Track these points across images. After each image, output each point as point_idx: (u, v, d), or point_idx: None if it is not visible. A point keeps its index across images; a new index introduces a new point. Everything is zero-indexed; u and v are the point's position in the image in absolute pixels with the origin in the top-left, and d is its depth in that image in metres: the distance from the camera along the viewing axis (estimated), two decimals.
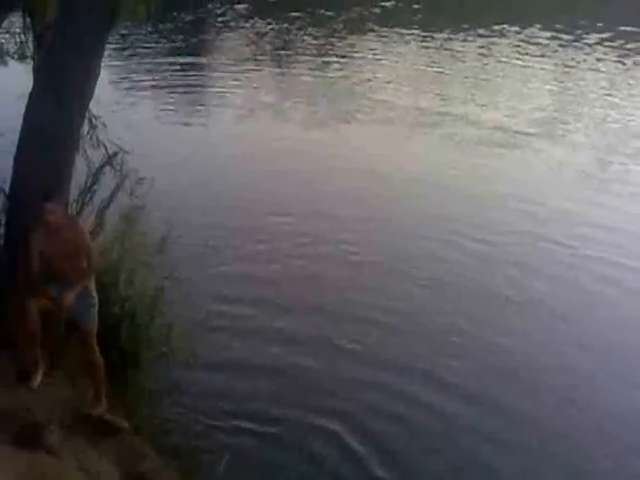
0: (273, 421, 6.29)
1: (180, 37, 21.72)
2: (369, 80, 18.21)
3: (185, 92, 16.57)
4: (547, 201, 11.15)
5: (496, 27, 24.16)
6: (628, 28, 23.51)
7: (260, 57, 20.33)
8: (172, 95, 16.20)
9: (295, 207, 10.52)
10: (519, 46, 22.24)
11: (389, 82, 18.08)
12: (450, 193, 11.37)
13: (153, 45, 20.38)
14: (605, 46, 22.13)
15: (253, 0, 25.50)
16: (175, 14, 23.06)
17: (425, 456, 6.11)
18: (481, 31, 23.85)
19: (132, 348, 6.37)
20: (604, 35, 23.01)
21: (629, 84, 18.97)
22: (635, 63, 20.82)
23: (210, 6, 25.67)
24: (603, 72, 19.63)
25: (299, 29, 23.07)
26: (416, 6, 26.78)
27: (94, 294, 5.58)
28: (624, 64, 20.56)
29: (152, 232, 6.98)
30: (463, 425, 6.47)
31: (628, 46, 22.01)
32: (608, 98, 17.34)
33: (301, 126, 14.42)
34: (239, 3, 25.39)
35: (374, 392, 6.79)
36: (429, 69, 19.73)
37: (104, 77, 6.50)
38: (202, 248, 8.59)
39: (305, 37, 22.27)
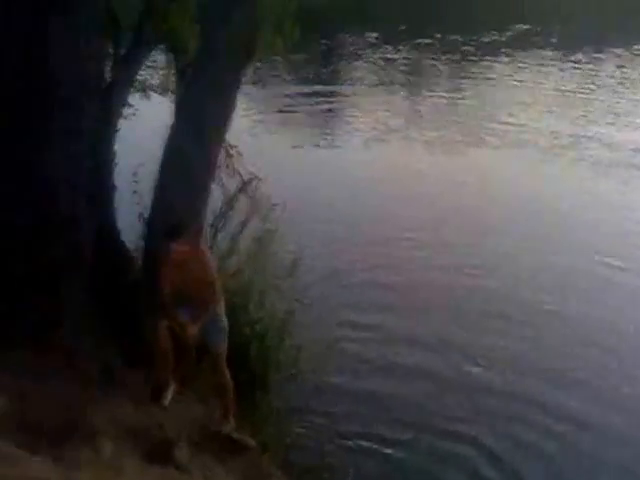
0: (400, 444, 6.29)
1: (311, 67, 22.24)
2: (502, 103, 17.96)
3: (316, 119, 16.95)
4: None
5: (637, 47, 23.24)
6: None
7: (390, 83, 20.48)
8: (304, 122, 16.60)
9: (425, 233, 10.52)
10: None
11: (522, 105, 17.77)
12: (583, 219, 10.98)
13: (285, 75, 20.98)
14: None
15: (383, 28, 25.73)
16: (305, 45, 23.65)
17: None
18: (619, 51, 22.99)
19: (261, 369, 6.53)
20: None
21: None
22: None
23: (340, 36, 26.12)
24: None
25: (429, 55, 23.08)
26: (551, 30, 26.20)
27: (223, 318, 5.74)
28: None
29: (283, 255, 7.17)
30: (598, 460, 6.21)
31: None
32: None
33: (430, 150, 14.42)
34: (369, 31, 25.69)
35: (505, 420, 6.65)
36: (564, 91, 19.23)
37: (239, 106, 6.79)
38: (332, 272, 8.74)
39: (435, 62, 22.25)
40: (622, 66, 21.57)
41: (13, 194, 5.66)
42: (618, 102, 18.15)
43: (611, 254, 9.80)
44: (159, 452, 5.26)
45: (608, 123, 16.17)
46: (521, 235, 10.48)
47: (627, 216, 11.16)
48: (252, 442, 5.78)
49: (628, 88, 19.53)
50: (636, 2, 29.10)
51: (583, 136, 15.07)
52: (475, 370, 7.45)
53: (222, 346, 5.73)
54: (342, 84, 20.84)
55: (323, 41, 24.78)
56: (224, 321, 5.75)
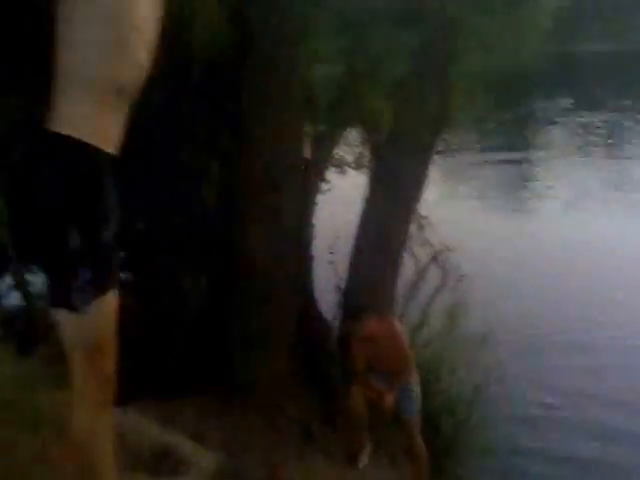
0: None
1: (502, 134, 22.10)
2: None
3: (507, 187, 16.75)
4: None
5: None
6: None
7: (585, 148, 19.88)
8: (495, 190, 16.47)
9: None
10: None
11: None
12: None
13: (475, 144, 21.02)
14: None
15: (576, 94, 25.11)
16: (497, 112, 23.54)
17: None
18: None
19: (451, 440, 6.49)
20: None
21: None
22: None
23: (533, 102, 25.81)
24: None
25: (629, 118, 22.18)
26: None
27: (415, 388, 5.80)
28: None
29: (473, 329, 7.13)
30: None
31: None
32: None
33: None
34: (563, 97, 25.20)
35: None
36: None
37: (429, 176, 6.97)
38: (523, 346, 8.52)
39: (634, 124, 21.33)
40: None
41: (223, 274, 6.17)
42: None
43: None
44: None
45: None
46: None
47: None
48: None
49: None
50: None
51: None
52: None
53: (414, 415, 5.80)
54: (535, 149, 20.52)
55: (516, 107, 24.60)
56: (416, 391, 5.81)
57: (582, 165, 17.77)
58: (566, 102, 24.77)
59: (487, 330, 7.12)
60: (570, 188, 15.98)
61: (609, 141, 20.39)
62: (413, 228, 7.47)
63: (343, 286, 7.00)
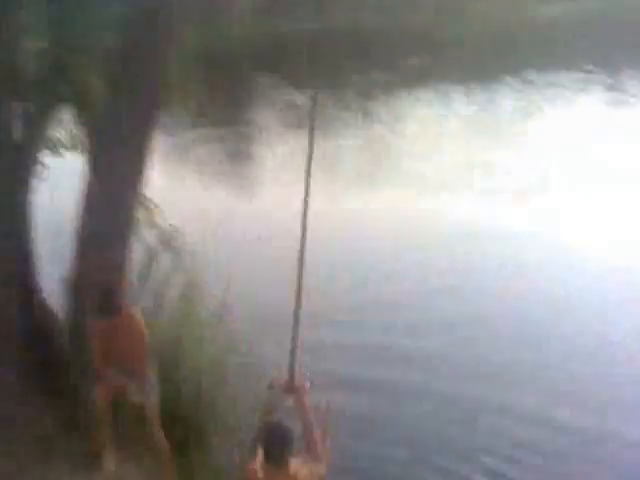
0: None
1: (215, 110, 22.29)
2: None
3: (229, 165, 16.92)
4: None
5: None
6: None
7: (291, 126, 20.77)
8: (217, 167, 16.58)
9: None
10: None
11: None
12: None
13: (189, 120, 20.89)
14: None
15: (286, 72, 25.98)
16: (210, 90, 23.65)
17: None
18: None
19: (196, 426, 6.37)
20: None
21: None
22: None
23: (249, 82, 26.26)
24: None
25: (334, 98, 23.55)
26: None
27: (153, 378, 5.66)
28: None
29: (210, 308, 7.04)
30: None
31: None
32: None
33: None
34: (272, 75, 26.01)
35: None
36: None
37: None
38: (259, 321, 8.61)
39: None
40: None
41: None
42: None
43: None
44: None
45: None
46: None
47: None
48: None
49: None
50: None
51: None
52: None
53: (153, 406, 5.61)
54: (247, 125, 21.00)
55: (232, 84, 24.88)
56: (154, 381, 5.66)
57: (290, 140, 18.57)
58: (278, 81, 25.61)
59: (223, 307, 7.08)
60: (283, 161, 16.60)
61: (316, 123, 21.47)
62: (139, 211, 7.15)
63: (70, 277, 6.51)
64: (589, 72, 25.41)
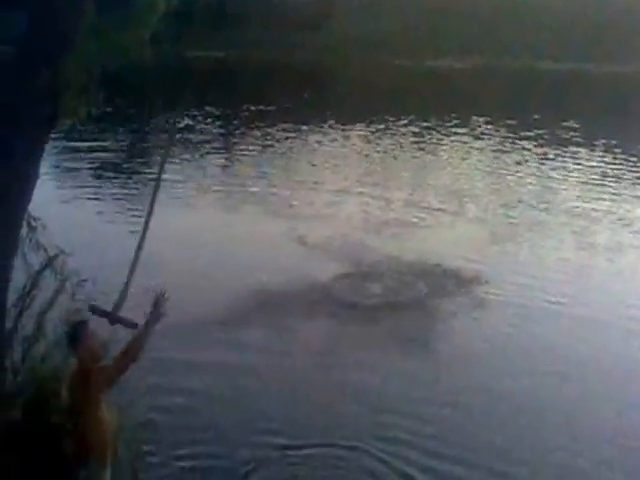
0: None
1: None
2: None
3: (126, 194, 16.50)
4: None
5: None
6: None
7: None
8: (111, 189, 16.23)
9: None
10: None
11: None
12: None
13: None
14: None
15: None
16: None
17: None
18: None
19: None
20: None
21: None
22: None
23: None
24: None
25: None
26: None
27: None
28: None
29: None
30: None
31: None
32: None
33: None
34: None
35: None
36: None
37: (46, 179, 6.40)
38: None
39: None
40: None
41: None
42: None
43: None
44: None
45: None
46: None
47: None
48: None
49: None
50: None
51: None
52: None
53: None
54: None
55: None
56: None
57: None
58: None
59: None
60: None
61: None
62: (24, 230, 6.79)
63: None
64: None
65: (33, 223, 7.21)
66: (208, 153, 20.81)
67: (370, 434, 7.44)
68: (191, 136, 22.16)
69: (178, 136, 20.16)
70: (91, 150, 19.84)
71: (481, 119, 27.00)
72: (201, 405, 7.86)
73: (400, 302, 10.93)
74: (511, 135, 24.78)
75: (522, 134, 24.65)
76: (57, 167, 17.84)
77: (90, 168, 18.39)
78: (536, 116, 27.30)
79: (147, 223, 5.67)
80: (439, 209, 16.01)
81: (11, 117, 6.03)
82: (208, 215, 14.93)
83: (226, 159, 20.88)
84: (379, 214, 15.51)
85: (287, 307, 10.43)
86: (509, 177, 19.49)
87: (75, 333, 5.06)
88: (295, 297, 10.76)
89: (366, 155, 21.83)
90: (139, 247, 5.57)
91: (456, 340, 9.79)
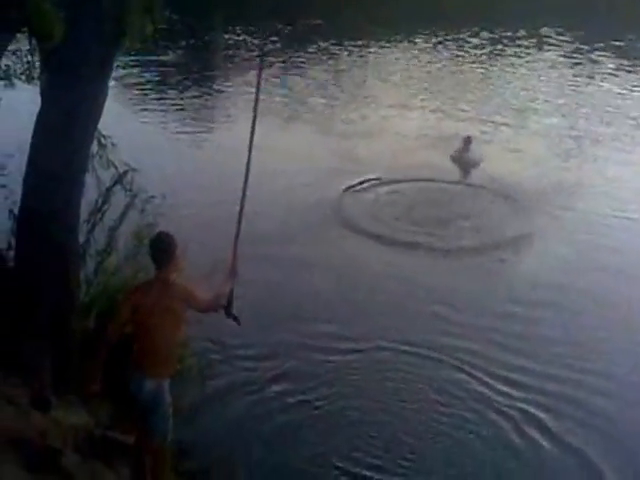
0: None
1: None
2: None
3: (190, 108, 16.57)
4: None
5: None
6: None
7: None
8: (177, 110, 16.31)
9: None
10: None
11: None
12: None
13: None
14: None
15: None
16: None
17: None
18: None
19: None
20: None
21: None
22: None
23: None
24: None
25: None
26: None
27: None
28: None
29: None
30: None
31: None
32: None
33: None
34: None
35: None
36: None
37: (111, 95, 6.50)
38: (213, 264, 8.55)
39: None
40: None
41: None
42: None
43: None
44: (43, 461, 5.05)
45: None
46: None
47: None
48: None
49: None
50: None
51: None
52: None
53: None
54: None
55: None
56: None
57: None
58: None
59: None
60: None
61: None
62: (94, 148, 6.97)
63: (18, 212, 6.34)
64: None
65: (103, 141, 7.42)
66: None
67: None
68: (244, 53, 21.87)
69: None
70: (154, 64, 19.81)
71: (551, 30, 25.82)
72: None
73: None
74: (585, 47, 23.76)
75: (595, 45, 23.57)
76: (117, 81, 17.88)
77: (152, 81, 18.41)
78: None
79: (250, 151, 5.42)
80: (503, 123, 15.74)
81: (78, 37, 6.12)
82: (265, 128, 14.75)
83: (282, 74, 20.48)
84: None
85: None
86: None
87: (168, 244, 4.93)
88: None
89: (428, 70, 21.26)
90: (246, 179, 5.40)
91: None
